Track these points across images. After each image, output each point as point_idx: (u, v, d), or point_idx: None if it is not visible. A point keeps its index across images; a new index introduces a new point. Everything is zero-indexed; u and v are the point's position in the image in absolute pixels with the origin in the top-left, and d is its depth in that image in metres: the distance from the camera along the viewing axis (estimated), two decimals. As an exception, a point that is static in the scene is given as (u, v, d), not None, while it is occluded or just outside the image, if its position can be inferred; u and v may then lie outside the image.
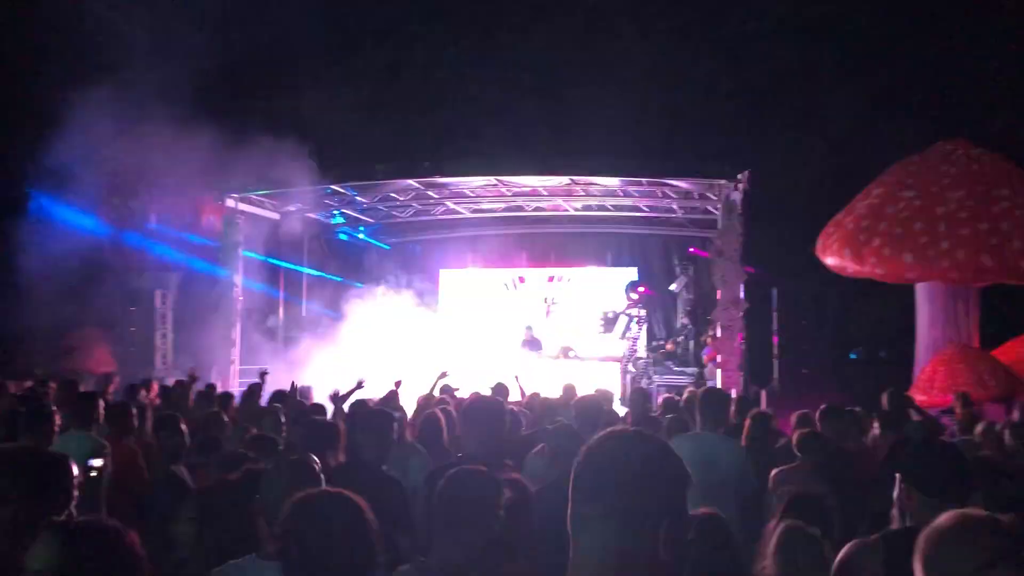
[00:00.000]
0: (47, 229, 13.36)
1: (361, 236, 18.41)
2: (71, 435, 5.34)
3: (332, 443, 4.51)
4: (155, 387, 9.16)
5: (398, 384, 8.33)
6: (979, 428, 6.40)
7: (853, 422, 6.56)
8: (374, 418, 4.72)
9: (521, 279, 18.45)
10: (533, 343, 16.43)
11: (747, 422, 6.10)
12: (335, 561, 2.36)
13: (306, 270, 17.67)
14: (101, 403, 5.90)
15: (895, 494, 2.99)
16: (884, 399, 7.34)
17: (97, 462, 3.79)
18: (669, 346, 16.61)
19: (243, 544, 2.92)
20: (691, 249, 17.47)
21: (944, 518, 1.87)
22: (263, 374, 9.41)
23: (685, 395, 8.11)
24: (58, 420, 4.95)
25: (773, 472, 5.13)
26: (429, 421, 5.78)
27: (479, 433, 4.36)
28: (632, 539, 1.52)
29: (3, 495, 2.40)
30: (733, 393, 12.14)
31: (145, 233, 15.51)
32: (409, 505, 4.25)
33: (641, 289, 17.27)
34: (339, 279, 17.70)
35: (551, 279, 18.29)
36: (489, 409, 4.61)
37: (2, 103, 15.12)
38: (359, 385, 7.57)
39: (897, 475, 2.99)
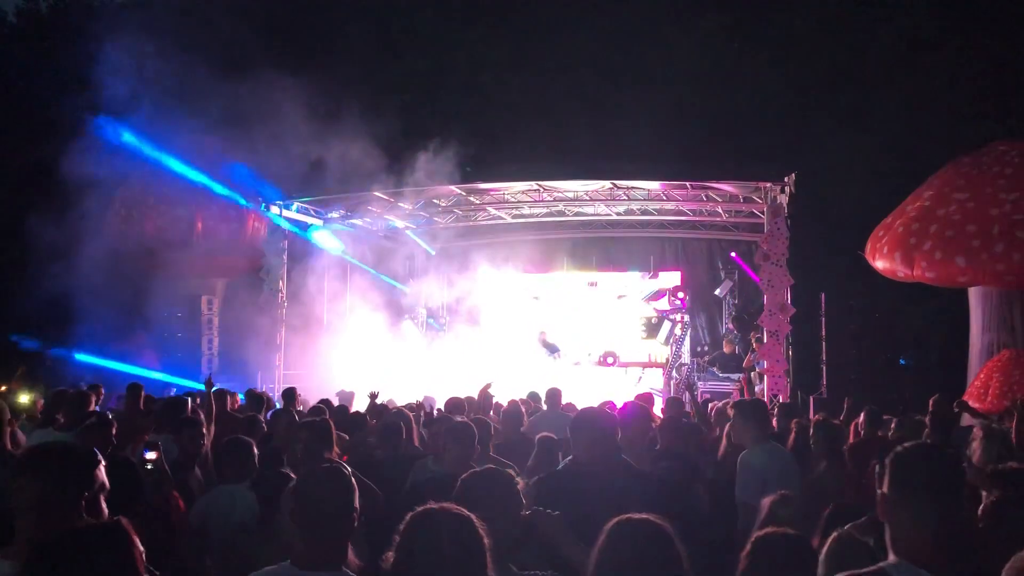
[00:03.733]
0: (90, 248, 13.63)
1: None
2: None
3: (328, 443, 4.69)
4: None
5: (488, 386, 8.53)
6: None
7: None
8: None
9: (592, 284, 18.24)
10: (549, 347, 16.48)
11: (811, 431, 5.98)
12: None
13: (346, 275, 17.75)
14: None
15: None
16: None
17: (151, 455, 4.10)
18: (727, 347, 16.30)
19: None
20: (732, 254, 17.21)
21: None
22: (374, 395, 8.42)
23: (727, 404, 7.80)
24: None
25: None
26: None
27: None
28: (951, 514, 2.19)
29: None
30: (780, 399, 11.96)
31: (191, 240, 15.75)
32: None
33: (680, 295, 17.11)
34: (388, 282, 17.80)
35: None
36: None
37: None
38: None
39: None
